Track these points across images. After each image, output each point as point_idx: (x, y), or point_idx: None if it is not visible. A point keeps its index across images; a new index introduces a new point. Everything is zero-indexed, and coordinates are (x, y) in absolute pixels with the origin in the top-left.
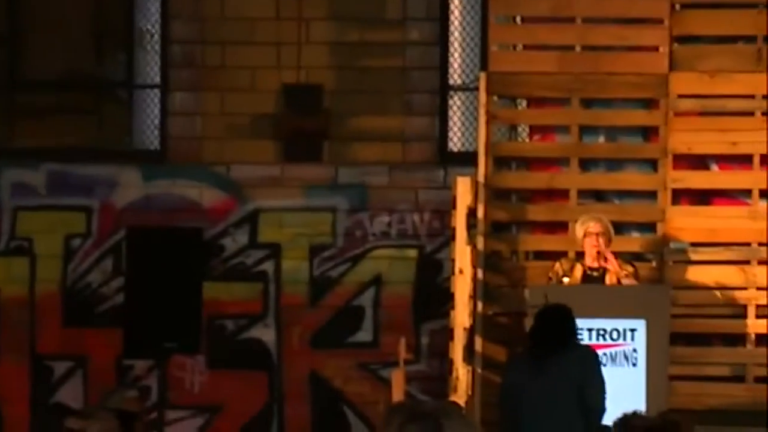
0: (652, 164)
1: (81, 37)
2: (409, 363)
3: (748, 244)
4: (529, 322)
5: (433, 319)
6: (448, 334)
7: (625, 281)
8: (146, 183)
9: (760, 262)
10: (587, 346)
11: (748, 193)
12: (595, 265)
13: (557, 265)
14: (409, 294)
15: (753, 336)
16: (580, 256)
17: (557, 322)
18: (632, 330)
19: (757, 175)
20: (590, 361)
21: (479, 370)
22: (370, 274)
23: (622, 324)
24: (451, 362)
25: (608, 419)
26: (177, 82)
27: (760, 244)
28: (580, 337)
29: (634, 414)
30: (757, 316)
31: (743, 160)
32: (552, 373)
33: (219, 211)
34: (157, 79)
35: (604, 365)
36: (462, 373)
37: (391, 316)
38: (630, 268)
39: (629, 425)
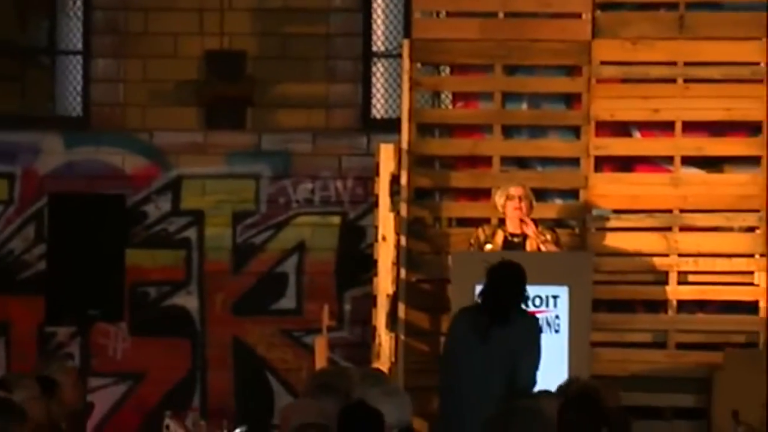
0: (575, 131)
1: (3, 3)
2: (332, 330)
3: (670, 211)
4: (453, 290)
5: (356, 286)
6: (371, 301)
7: (544, 247)
8: (69, 150)
9: (682, 229)
10: (532, 318)
11: (670, 159)
12: (517, 231)
13: (479, 231)
14: (332, 261)
15: (674, 302)
16: (501, 222)
17: (510, 285)
18: (555, 297)
19: (678, 141)
20: (532, 335)
21: (402, 337)
22: (293, 240)
23: (544, 291)
24: (374, 329)
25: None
26: (99, 48)
27: (682, 211)
28: None
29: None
30: (679, 283)
31: (665, 127)
32: (495, 341)
33: (142, 178)
34: (80, 46)
35: None
36: (385, 340)
37: (315, 283)
38: (549, 235)
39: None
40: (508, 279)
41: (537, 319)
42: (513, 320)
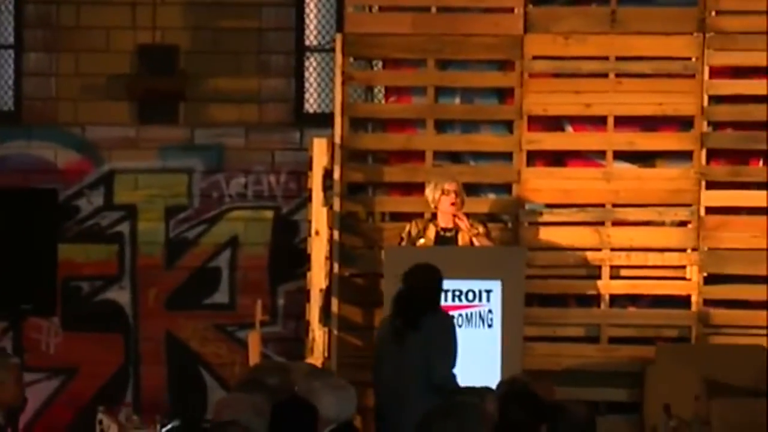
0: (507, 126)
1: None
2: (265, 324)
3: (602, 206)
4: (386, 284)
5: (290, 280)
6: (305, 295)
7: (477, 241)
8: (0, 144)
9: (614, 223)
10: (445, 315)
11: (602, 154)
12: (449, 225)
13: (410, 225)
14: (265, 255)
15: (607, 297)
16: (433, 217)
17: (423, 292)
18: (488, 291)
19: (610, 136)
20: (446, 333)
21: (335, 332)
22: (226, 235)
23: (477, 285)
24: (307, 324)
25: (464, 381)
26: (31, 42)
27: (614, 206)
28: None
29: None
30: (611, 277)
31: (597, 122)
32: (411, 345)
33: (74, 173)
34: (12, 40)
35: (460, 326)
36: (318, 334)
37: (248, 278)
38: (482, 228)
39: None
40: (422, 285)
41: (450, 316)
42: (426, 323)
